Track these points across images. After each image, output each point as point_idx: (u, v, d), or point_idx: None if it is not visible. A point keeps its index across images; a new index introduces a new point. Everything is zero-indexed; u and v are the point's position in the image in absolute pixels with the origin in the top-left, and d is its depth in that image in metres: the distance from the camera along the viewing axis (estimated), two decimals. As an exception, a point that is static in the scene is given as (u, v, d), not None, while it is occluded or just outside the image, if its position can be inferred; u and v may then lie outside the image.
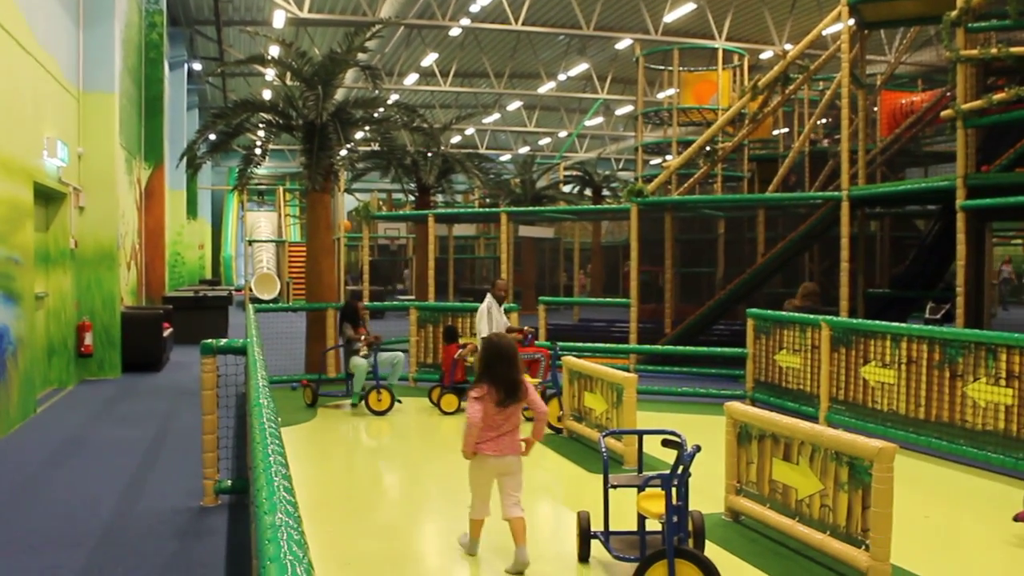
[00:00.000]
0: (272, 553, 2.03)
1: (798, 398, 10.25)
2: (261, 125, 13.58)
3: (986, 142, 12.63)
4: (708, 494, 6.40)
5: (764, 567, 5.43)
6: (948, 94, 14.37)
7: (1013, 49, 10.50)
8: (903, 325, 9.19)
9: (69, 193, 12.67)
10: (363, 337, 11.27)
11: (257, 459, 3.04)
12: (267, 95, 20.73)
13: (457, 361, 11.07)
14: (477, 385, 5.52)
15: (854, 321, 9.67)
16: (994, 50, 10.70)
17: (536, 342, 11.11)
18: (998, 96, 10.50)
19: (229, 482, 6.97)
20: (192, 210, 32.57)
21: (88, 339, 13.38)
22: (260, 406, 3.91)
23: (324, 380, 11.94)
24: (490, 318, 10.57)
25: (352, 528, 6.26)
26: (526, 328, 10.97)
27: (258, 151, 14.05)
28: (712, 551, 5.50)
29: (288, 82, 13.96)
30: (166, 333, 15.49)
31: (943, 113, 11.51)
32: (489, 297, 10.74)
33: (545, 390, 10.22)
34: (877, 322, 9.38)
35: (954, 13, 10.72)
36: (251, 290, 30.79)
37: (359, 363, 10.94)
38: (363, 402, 10.90)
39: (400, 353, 11.63)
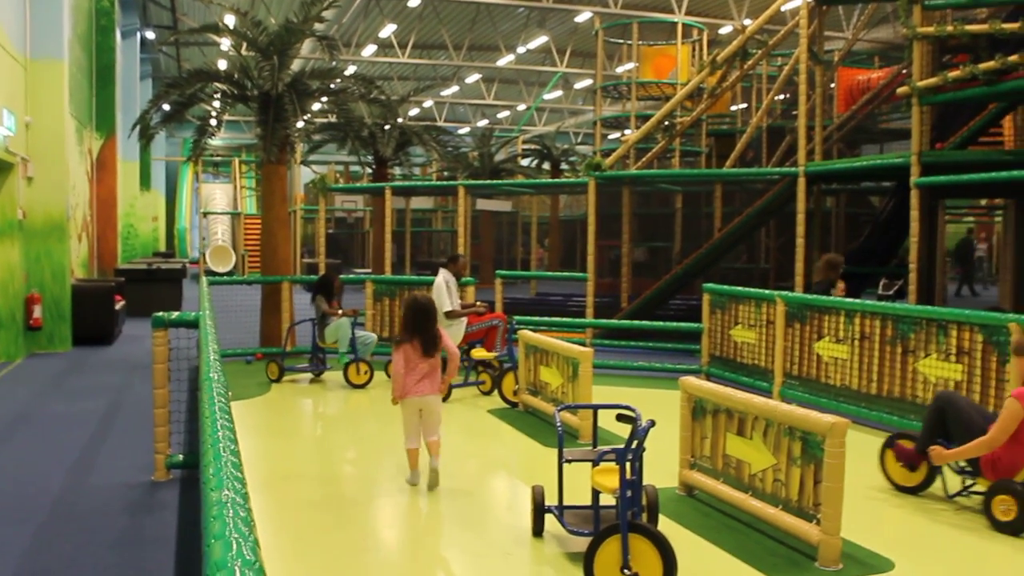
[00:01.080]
0: (217, 531, 1.99)
1: (753, 373, 10.33)
2: (216, 95, 13.36)
3: (941, 120, 12.76)
4: (662, 468, 6.43)
5: (717, 541, 5.47)
6: (904, 71, 14.48)
7: (968, 27, 10.58)
8: (856, 301, 9.28)
9: (16, 163, 12.39)
10: (339, 312, 11.08)
11: (205, 434, 2.99)
12: (222, 65, 20.39)
13: None
14: (401, 338, 6.55)
15: (808, 296, 9.75)
16: (950, 28, 10.78)
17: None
18: (953, 74, 10.58)
19: (181, 456, 6.89)
20: (145, 181, 32.05)
21: (37, 312, 13.15)
22: (210, 380, 3.84)
23: (287, 354, 11.80)
24: (450, 293, 10.51)
25: (304, 501, 6.21)
26: (478, 303, 11.00)
27: (213, 122, 13.82)
28: (666, 525, 5.52)
29: (243, 52, 13.75)
30: (118, 306, 15.27)
31: (899, 90, 11.58)
32: (445, 272, 10.67)
33: (502, 365, 10.23)
34: (831, 298, 9.46)
35: (911, -10, 10.77)
36: (206, 262, 30.45)
37: (343, 323, 10.79)
38: (344, 375, 10.72)
39: (373, 335, 11.38)
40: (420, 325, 6.51)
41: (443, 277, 10.57)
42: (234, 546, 1.87)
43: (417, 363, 6.48)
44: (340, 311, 11.11)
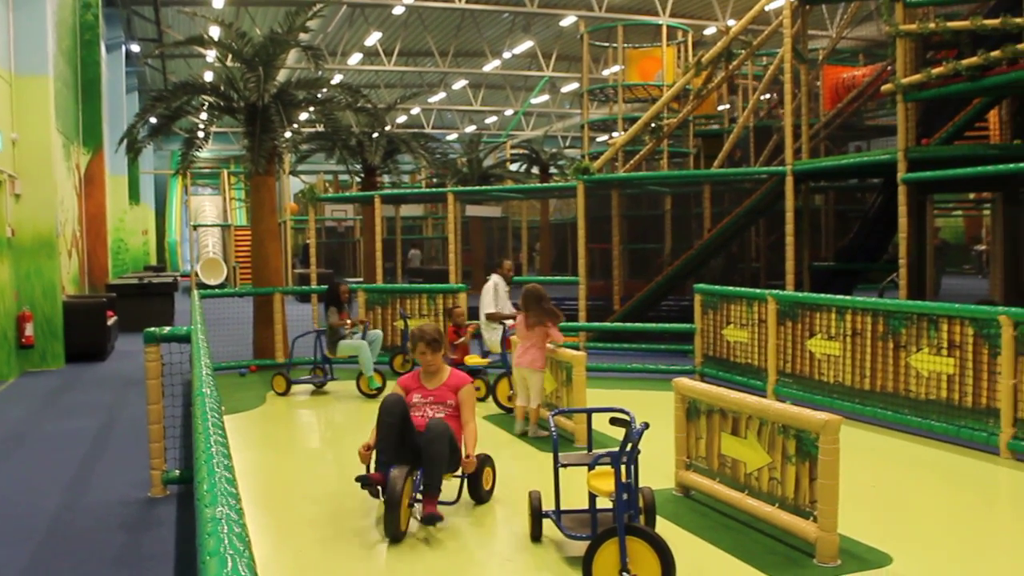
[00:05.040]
0: (212, 547, 1.99)
1: (746, 372, 10.35)
2: (202, 107, 13.35)
3: (926, 115, 12.82)
4: (658, 470, 6.44)
5: (714, 540, 5.47)
6: (888, 68, 14.54)
7: (951, 24, 10.63)
8: (847, 298, 9.31)
9: (4, 180, 12.37)
10: (348, 322, 11.02)
11: (199, 450, 2.99)
12: (208, 77, 20.40)
13: (457, 344, 10.72)
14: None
15: (800, 295, 9.78)
16: (932, 25, 10.83)
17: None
18: (937, 70, 10.63)
19: (177, 472, 6.88)
20: (134, 195, 31.98)
21: (29, 330, 13.12)
22: (203, 395, 3.84)
23: (292, 364, 11.73)
24: (496, 297, 10.64)
25: (301, 514, 6.20)
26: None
27: (200, 134, 13.81)
28: (663, 526, 5.53)
29: (229, 63, 13.74)
30: (110, 322, 15.23)
31: (883, 87, 11.63)
32: (496, 276, 10.82)
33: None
34: (822, 295, 9.49)
35: (893, -12, 10.82)
36: (197, 275, 30.39)
37: (358, 343, 10.69)
38: (357, 385, 10.71)
39: (379, 332, 11.41)
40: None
41: (493, 281, 10.73)
42: (229, 563, 1.86)
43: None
44: (349, 321, 11.06)
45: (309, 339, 11.51)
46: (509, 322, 10.22)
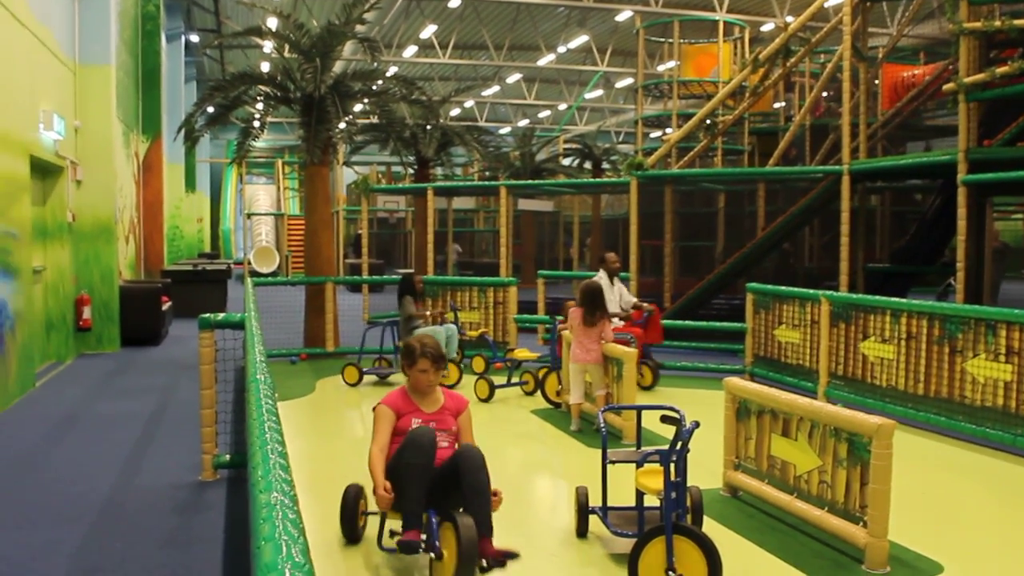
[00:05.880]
0: (267, 533, 2.02)
1: (797, 373, 10.24)
2: (259, 98, 13.49)
3: (988, 116, 12.57)
4: (707, 469, 6.40)
5: (761, 543, 5.43)
6: (950, 67, 14.28)
7: (1017, 21, 10.42)
8: (903, 300, 9.18)
9: (66, 167, 12.61)
10: (427, 313, 10.96)
11: (253, 436, 3.03)
12: (265, 67, 20.60)
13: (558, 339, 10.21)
14: None
15: (854, 296, 9.65)
16: (997, 23, 10.62)
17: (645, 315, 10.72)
18: (1001, 69, 10.43)
19: (228, 457, 6.97)
20: (191, 183, 32.46)
21: (86, 313, 13.36)
22: (257, 382, 3.89)
23: (363, 353, 11.43)
24: None
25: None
26: (645, 305, 10.82)
27: (256, 124, 13.96)
28: (710, 526, 5.50)
29: (286, 54, 13.86)
30: (165, 307, 15.47)
31: (945, 87, 11.44)
32: (601, 272, 10.65)
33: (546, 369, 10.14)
34: (877, 297, 9.36)
35: (958, -15, 10.64)
36: (250, 263, 30.75)
37: (435, 328, 10.66)
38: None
39: (453, 326, 11.15)
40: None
41: (596, 277, 10.47)
42: (284, 549, 1.89)
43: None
44: (428, 312, 11.02)
45: (375, 330, 11.55)
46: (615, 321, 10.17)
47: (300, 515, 2.20)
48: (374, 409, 5.16)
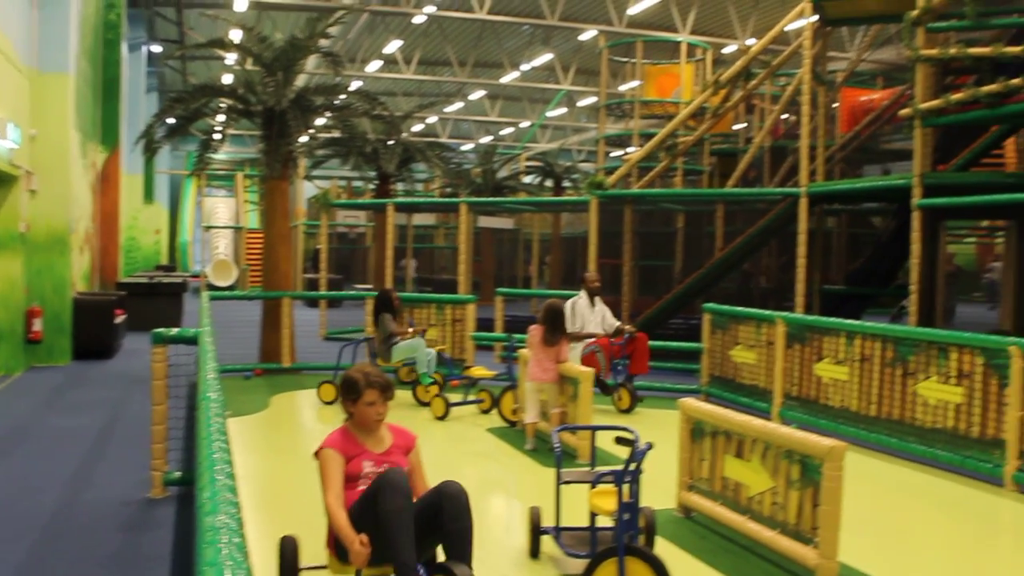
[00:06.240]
0: (211, 557, 1.99)
1: (752, 393, 10.31)
2: (220, 110, 13.39)
3: (943, 141, 12.78)
4: (661, 489, 6.41)
5: (714, 563, 5.45)
6: (907, 92, 14.52)
7: (971, 50, 10.60)
8: (857, 322, 9.28)
9: (20, 176, 12.43)
10: (408, 331, 10.76)
11: (201, 457, 2.99)
12: (227, 79, 20.48)
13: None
14: None
15: (809, 318, 9.76)
16: (953, 50, 10.80)
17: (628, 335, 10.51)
18: (956, 96, 10.60)
19: (178, 474, 6.88)
20: (149, 194, 32.12)
21: (37, 325, 13.14)
22: (208, 400, 3.84)
23: (339, 369, 10.97)
24: (573, 316, 10.18)
25: (300, 522, 6.18)
26: (627, 328, 10.54)
27: (217, 136, 13.85)
28: (663, 547, 5.50)
29: (248, 67, 13.78)
30: (119, 320, 15.26)
31: (901, 112, 11.61)
32: (581, 293, 10.48)
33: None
34: (831, 319, 9.46)
35: (915, 13, 10.80)
36: (207, 277, 30.47)
37: (415, 343, 10.48)
38: (414, 394, 10.56)
39: (433, 351, 10.76)
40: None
41: (571, 301, 10.37)
42: (228, 574, 1.87)
43: None
44: (410, 330, 10.86)
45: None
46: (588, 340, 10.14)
47: (245, 539, 2.17)
48: (316, 455, 4.50)
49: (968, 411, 7.58)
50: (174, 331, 6.82)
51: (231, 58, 19.58)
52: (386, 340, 10.61)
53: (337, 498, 4.32)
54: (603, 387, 10.23)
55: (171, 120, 13.89)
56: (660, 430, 6.53)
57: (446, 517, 4.26)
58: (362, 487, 4.37)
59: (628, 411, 10.26)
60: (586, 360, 10.13)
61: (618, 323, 10.61)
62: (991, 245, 29.40)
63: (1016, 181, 11.49)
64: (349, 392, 4.56)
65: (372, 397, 4.48)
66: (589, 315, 10.37)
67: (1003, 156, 13.93)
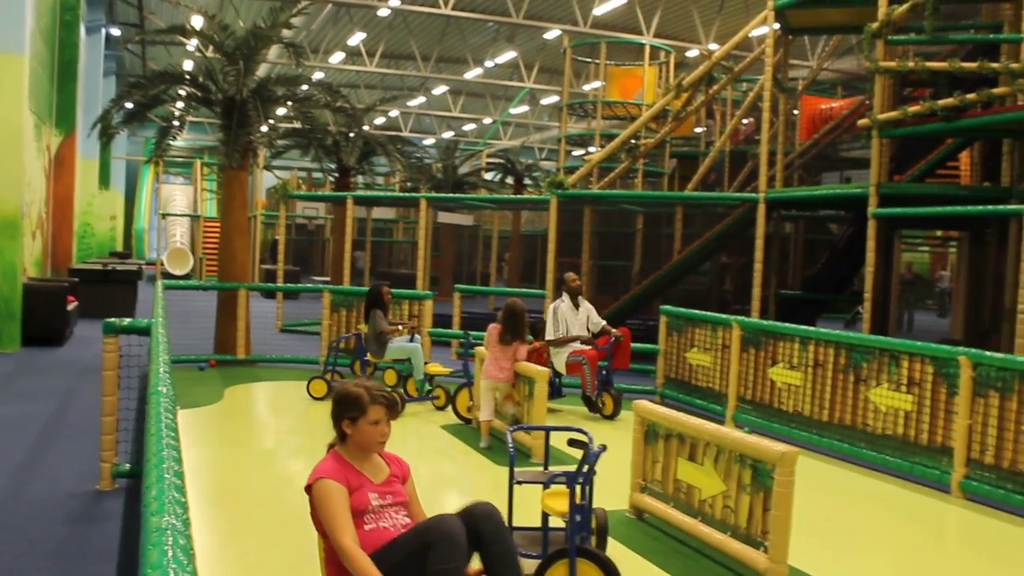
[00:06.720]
0: (155, 560, 1.95)
1: (707, 396, 10.38)
2: (180, 97, 13.23)
3: (900, 152, 12.95)
4: (613, 490, 6.42)
5: (665, 565, 5.47)
6: (866, 102, 14.69)
7: (929, 64, 10.76)
8: (811, 328, 9.38)
9: (-28, 158, 12.19)
10: (399, 328, 10.62)
11: (149, 453, 2.94)
12: (188, 66, 20.24)
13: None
14: None
15: (764, 322, 9.83)
16: (911, 63, 10.96)
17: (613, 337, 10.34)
18: (913, 108, 10.74)
19: (128, 466, 6.77)
20: (104, 180, 31.64)
21: (-14, 310, 12.90)
22: (158, 395, 3.78)
23: (334, 365, 10.93)
24: (556, 321, 10.14)
25: (251, 516, 6.13)
26: (614, 330, 10.35)
27: (176, 123, 13.67)
28: (614, 548, 5.52)
29: (209, 55, 13.63)
30: (71, 307, 15.02)
31: (860, 122, 11.74)
32: (563, 295, 10.34)
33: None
34: (786, 324, 9.55)
35: (875, 25, 10.94)
36: (163, 265, 30.11)
37: (411, 346, 10.37)
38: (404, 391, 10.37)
39: (417, 345, 10.65)
40: None
41: (554, 305, 10.31)
42: (172, 576, 1.83)
43: None
44: (400, 327, 10.71)
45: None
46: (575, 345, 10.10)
47: (191, 540, 2.13)
48: (308, 489, 3.79)
49: (918, 418, 7.70)
50: (126, 321, 6.70)
51: (192, 45, 19.34)
52: (378, 337, 10.46)
53: (355, 540, 3.63)
54: (589, 404, 10.12)
55: (129, 105, 13.70)
56: (614, 431, 6.54)
57: (488, 540, 3.87)
58: (369, 525, 3.78)
59: (612, 417, 9.89)
60: (571, 369, 10.10)
61: (604, 323, 10.51)
62: (945, 254, 29.83)
63: (969, 194, 11.69)
64: (349, 409, 3.87)
65: (377, 415, 3.86)
66: (573, 318, 10.25)
67: (958, 168, 14.14)
